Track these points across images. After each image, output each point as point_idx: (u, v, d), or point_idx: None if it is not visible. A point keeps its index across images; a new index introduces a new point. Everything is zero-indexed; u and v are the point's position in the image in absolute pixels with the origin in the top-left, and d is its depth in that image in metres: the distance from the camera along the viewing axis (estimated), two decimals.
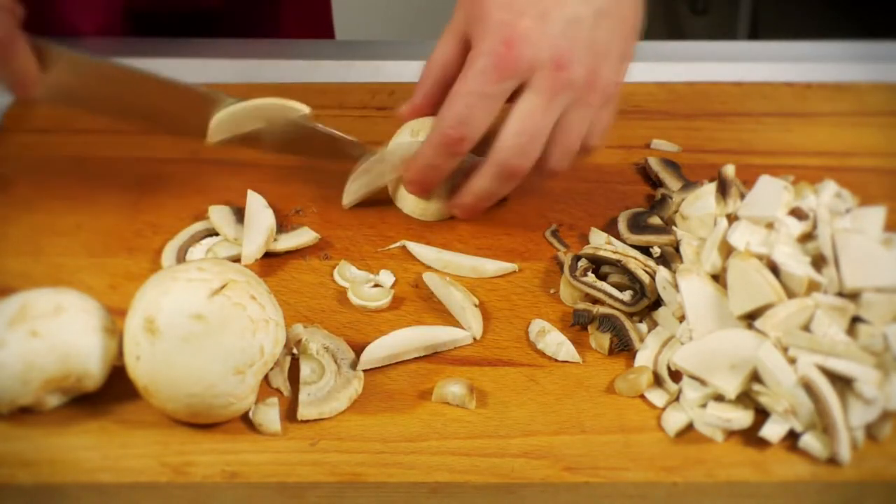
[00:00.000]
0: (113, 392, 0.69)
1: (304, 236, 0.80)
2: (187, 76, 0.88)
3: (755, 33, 2.46)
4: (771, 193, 0.75)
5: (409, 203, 0.83)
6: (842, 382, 0.67)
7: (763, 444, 0.68)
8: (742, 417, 0.68)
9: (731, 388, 0.68)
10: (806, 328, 0.69)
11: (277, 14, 1.12)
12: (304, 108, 0.81)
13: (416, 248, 0.80)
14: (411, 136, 0.81)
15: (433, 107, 0.80)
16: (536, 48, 0.73)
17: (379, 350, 0.72)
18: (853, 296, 0.70)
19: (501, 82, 0.74)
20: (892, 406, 0.67)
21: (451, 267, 0.79)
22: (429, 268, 0.79)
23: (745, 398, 0.69)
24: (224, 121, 0.81)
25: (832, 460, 0.66)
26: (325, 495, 0.66)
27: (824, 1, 2.54)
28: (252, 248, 0.78)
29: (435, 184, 0.80)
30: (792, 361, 0.67)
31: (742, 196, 0.78)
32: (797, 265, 0.70)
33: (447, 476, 0.66)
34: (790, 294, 0.69)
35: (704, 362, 0.69)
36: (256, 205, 0.81)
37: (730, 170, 0.78)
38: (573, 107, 0.76)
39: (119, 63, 0.80)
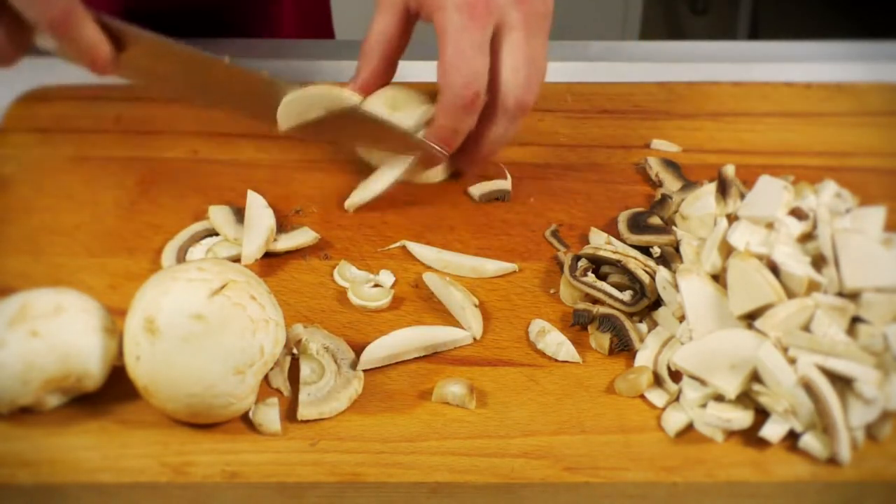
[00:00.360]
0: (113, 392, 0.69)
1: (303, 236, 0.80)
2: None
3: (755, 33, 2.46)
4: (771, 193, 0.75)
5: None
6: (842, 382, 0.67)
7: (763, 444, 0.68)
8: (742, 417, 0.68)
9: (731, 388, 0.68)
10: (806, 328, 0.69)
11: (276, 14, 1.12)
12: (355, 98, 0.82)
13: (417, 249, 0.80)
14: (388, 109, 0.82)
15: (380, 81, 0.82)
16: None
17: (379, 350, 0.72)
18: (853, 296, 0.70)
19: (484, 29, 0.77)
20: (892, 406, 0.67)
21: (451, 267, 0.79)
22: (429, 268, 0.79)
23: (745, 398, 0.69)
24: (289, 107, 0.82)
25: (832, 460, 0.66)
26: (325, 495, 0.66)
27: (824, 1, 2.54)
28: (252, 248, 0.78)
29: (456, 147, 0.81)
30: (792, 361, 0.67)
31: (742, 196, 0.78)
32: (797, 265, 0.70)
33: (447, 476, 0.66)
34: (790, 294, 0.69)
35: (704, 362, 0.69)
36: (256, 205, 0.81)
37: (730, 170, 0.79)
38: (538, 37, 0.79)
39: (193, 48, 0.81)
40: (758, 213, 0.74)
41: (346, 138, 0.85)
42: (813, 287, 0.70)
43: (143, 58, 0.81)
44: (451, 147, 0.81)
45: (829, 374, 0.67)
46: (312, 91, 0.82)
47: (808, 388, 0.66)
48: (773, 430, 0.67)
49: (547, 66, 0.81)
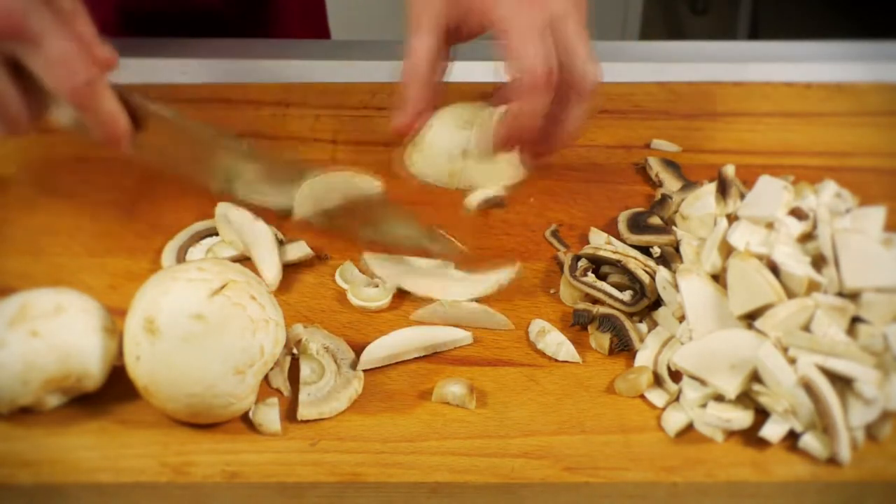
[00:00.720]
0: (113, 392, 0.69)
1: (300, 251, 0.79)
2: (187, 76, 0.89)
3: (755, 33, 2.46)
4: (771, 193, 0.75)
5: (432, 171, 0.85)
6: (842, 382, 0.67)
7: (763, 444, 0.68)
8: (742, 417, 0.68)
9: (731, 388, 0.68)
10: (806, 328, 0.69)
11: (271, 14, 1.12)
12: (376, 184, 0.81)
13: (415, 285, 0.77)
14: (460, 127, 0.83)
15: (430, 108, 0.80)
16: None
17: (379, 350, 0.72)
18: (853, 296, 0.70)
19: (543, 15, 0.76)
20: (891, 406, 0.67)
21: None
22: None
23: (745, 398, 0.69)
24: (307, 193, 0.81)
25: (832, 460, 0.66)
26: (325, 495, 0.66)
27: (824, 1, 2.54)
28: (272, 272, 0.77)
29: (533, 131, 0.79)
30: (792, 361, 0.67)
31: (742, 196, 0.78)
32: (797, 265, 0.70)
33: (447, 476, 0.66)
34: (790, 294, 0.69)
35: (704, 362, 0.69)
36: (245, 220, 0.79)
37: (730, 170, 0.79)
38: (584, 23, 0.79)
39: (211, 129, 0.80)
40: (758, 213, 0.74)
41: (364, 227, 0.82)
42: (813, 287, 0.70)
43: (159, 135, 0.79)
44: (530, 132, 0.78)
45: (829, 374, 0.67)
46: (332, 178, 0.81)
47: (808, 388, 0.66)
48: (773, 430, 0.67)
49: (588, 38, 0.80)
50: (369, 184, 0.81)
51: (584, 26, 0.78)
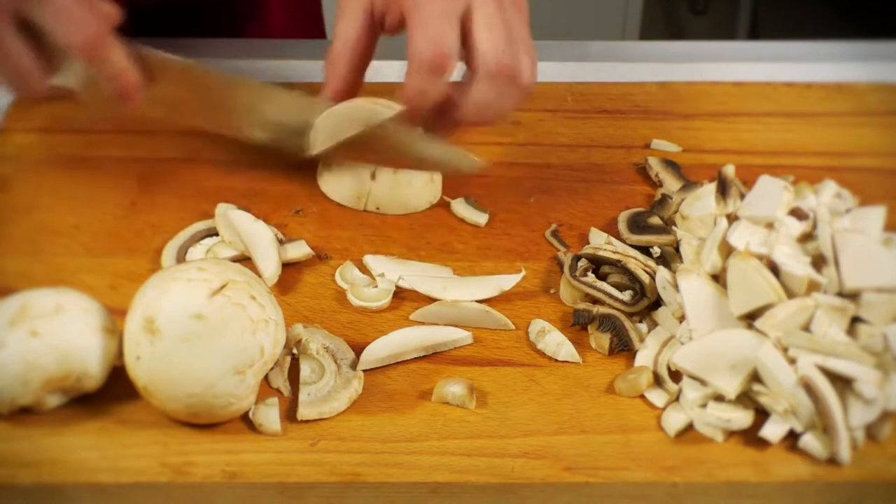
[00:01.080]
0: (113, 392, 0.69)
1: (299, 250, 0.79)
2: None
3: (755, 33, 2.46)
4: (771, 193, 0.75)
5: (338, 191, 0.83)
6: (842, 382, 0.67)
7: (763, 444, 0.68)
8: (742, 417, 0.68)
9: (731, 388, 0.68)
10: (806, 328, 0.69)
11: (266, 13, 1.11)
12: (396, 107, 0.78)
13: (415, 283, 0.77)
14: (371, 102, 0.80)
15: (350, 92, 0.80)
16: None
17: (379, 350, 0.72)
18: (853, 296, 0.70)
19: (453, 1, 0.74)
20: (891, 406, 0.67)
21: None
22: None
23: (745, 398, 0.69)
24: (323, 125, 0.80)
25: (832, 460, 0.66)
26: (325, 495, 0.66)
27: (824, 1, 2.54)
28: (270, 270, 0.77)
29: (425, 110, 0.78)
30: (792, 361, 0.67)
31: (742, 196, 0.78)
32: (797, 265, 0.70)
33: (447, 476, 0.66)
34: (790, 294, 0.69)
35: (704, 362, 0.69)
36: (244, 221, 0.79)
37: (730, 170, 0.79)
38: (515, 21, 0.77)
39: (221, 71, 0.80)
40: (758, 213, 0.74)
41: (382, 158, 0.82)
42: (813, 287, 0.70)
43: (170, 87, 0.79)
44: (420, 109, 0.77)
45: (829, 374, 0.67)
46: (347, 106, 0.80)
47: (808, 388, 0.66)
48: (773, 431, 0.67)
49: (535, 45, 0.78)
50: (388, 108, 0.79)
51: (512, 13, 0.77)
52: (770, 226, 0.73)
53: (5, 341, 0.66)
